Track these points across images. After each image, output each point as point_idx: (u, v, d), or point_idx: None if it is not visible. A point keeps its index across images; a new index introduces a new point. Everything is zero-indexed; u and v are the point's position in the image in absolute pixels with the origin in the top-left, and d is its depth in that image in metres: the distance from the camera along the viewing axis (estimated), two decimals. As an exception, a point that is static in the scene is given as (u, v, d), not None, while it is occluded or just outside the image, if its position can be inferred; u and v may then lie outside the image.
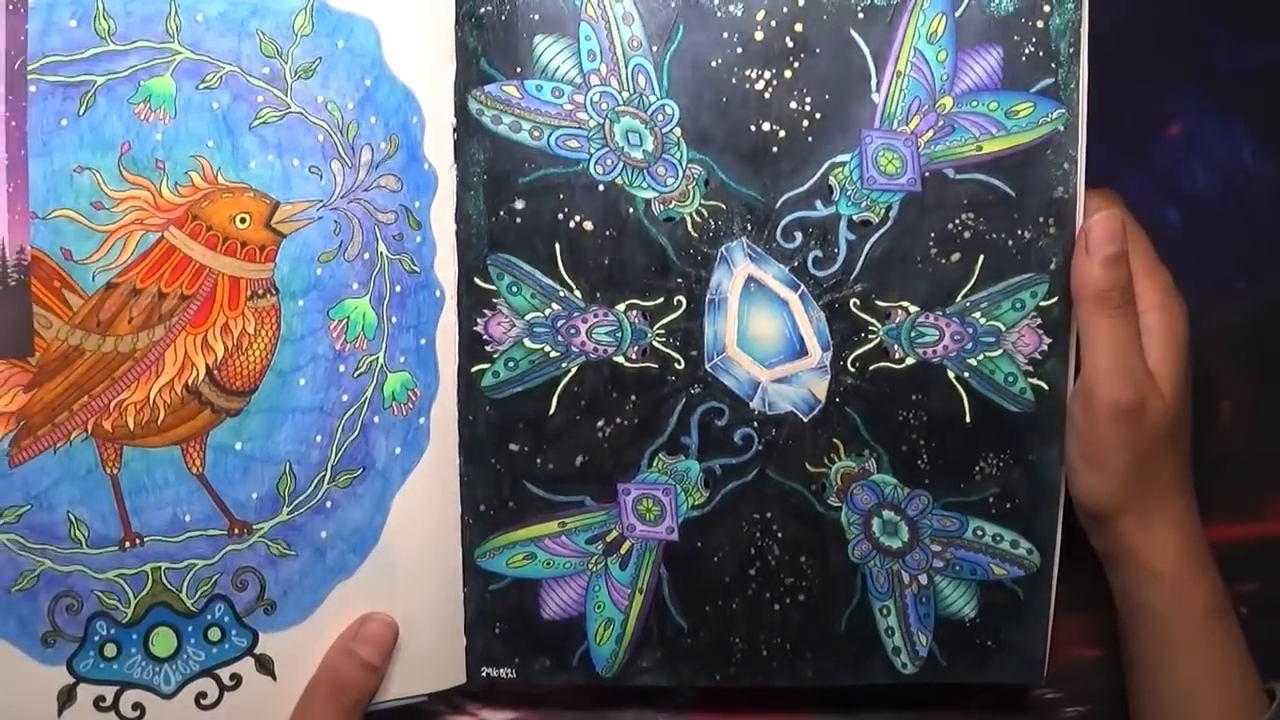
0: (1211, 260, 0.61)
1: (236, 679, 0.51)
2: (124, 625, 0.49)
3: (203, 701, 0.51)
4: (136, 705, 0.50)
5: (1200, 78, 0.61)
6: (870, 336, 0.54)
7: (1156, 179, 0.61)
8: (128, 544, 0.49)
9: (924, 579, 0.55)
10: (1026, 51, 0.53)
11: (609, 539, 0.55)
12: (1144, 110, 0.61)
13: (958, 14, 0.53)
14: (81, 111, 0.47)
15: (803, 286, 0.54)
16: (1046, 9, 0.53)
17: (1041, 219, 0.53)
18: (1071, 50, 0.53)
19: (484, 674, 0.55)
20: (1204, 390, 0.59)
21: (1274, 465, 0.62)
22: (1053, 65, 0.53)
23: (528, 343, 0.54)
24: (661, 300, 0.54)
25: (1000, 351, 0.54)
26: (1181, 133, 0.61)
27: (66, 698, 0.49)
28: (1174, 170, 0.61)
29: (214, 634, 0.51)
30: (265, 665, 0.51)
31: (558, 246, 0.53)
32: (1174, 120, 0.62)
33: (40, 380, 0.48)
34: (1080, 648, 0.60)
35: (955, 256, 0.54)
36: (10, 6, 0.46)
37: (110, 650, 0.49)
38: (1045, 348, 0.54)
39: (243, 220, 0.49)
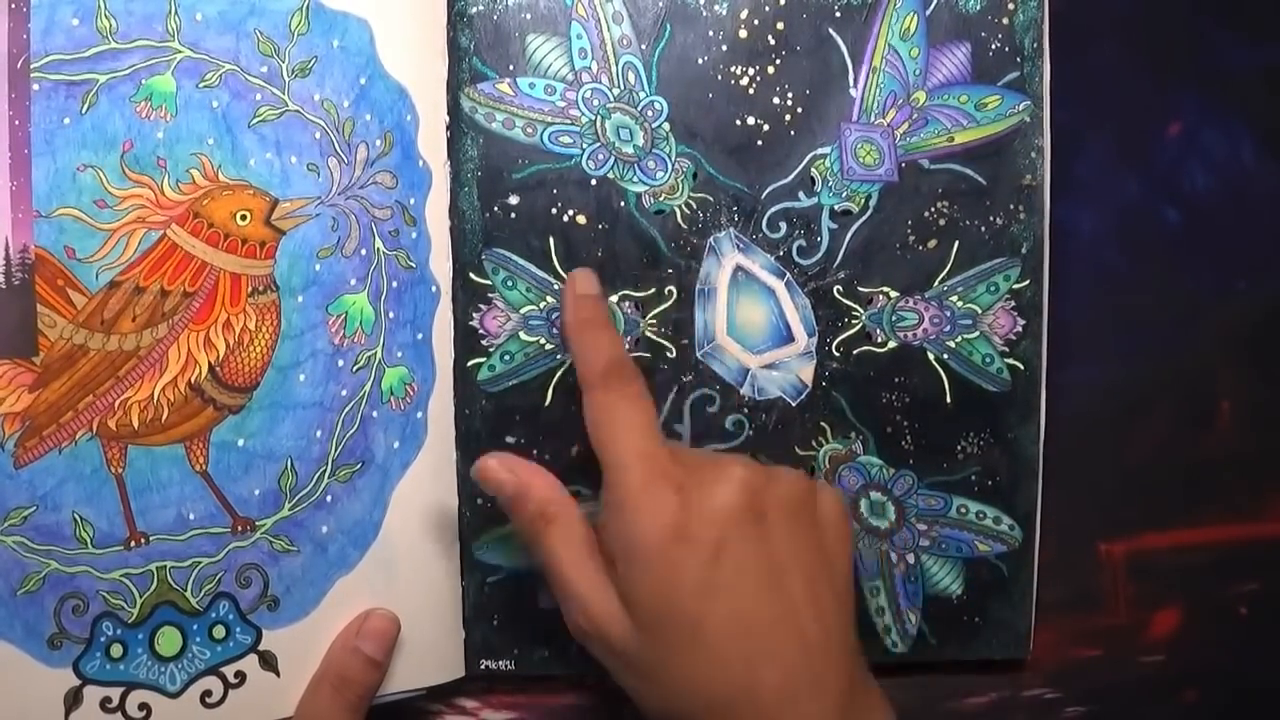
0: (1211, 260, 0.61)
1: (241, 676, 0.51)
2: (130, 625, 0.49)
3: (208, 700, 0.50)
4: (143, 705, 0.49)
5: (1200, 78, 0.61)
6: (853, 321, 0.56)
7: (1156, 179, 0.61)
8: (133, 543, 0.49)
9: (911, 558, 0.57)
10: (993, 47, 0.55)
11: (605, 527, 0.56)
12: (1144, 110, 0.61)
13: (928, 12, 0.55)
14: (84, 110, 0.47)
15: (788, 275, 0.55)
16: (1011, 6, 0.55)
17: (1012, 205, 0.56)
18: (1035, 45, 0.56)
19: (483, 666, 0.56)
20: (1204, 390, 0.61)
21: (1274, 465, 0.61)
22: (1018, 60, 0.56)
23: (523, 336, 0.54)
24: (653, 291, 0.55)
25: (977, 333, 0.56)
26: (1181, 133, 0.61)
27: (73, 700, 0.48)
28: (1174, 170, 0.61)
29: (218, 632, 0.51)
30: (269, 662, 0.51)
31: (551, 240, 0.54)
32: (1174, 120, 0.61)
33: (45, 380, 0.48)
34: (1080, 648, 0.60)
35: (932, 243, 0.56)
36: (13, 5, 0.46)
37: (116, 651, 0.49)
38: (1019, 329, 0.56)
39: (243, 217, 0.50)
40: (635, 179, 0.54)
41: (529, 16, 0.53)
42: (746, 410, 0.56)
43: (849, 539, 0.47)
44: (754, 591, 0.43)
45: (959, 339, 0.56)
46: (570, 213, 0.54)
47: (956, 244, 0.56)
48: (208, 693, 0.50)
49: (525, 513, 0.48)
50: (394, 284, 0.53)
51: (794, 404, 0.56)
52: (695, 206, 0.55)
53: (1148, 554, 0.60)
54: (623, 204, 0.54)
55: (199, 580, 0.50)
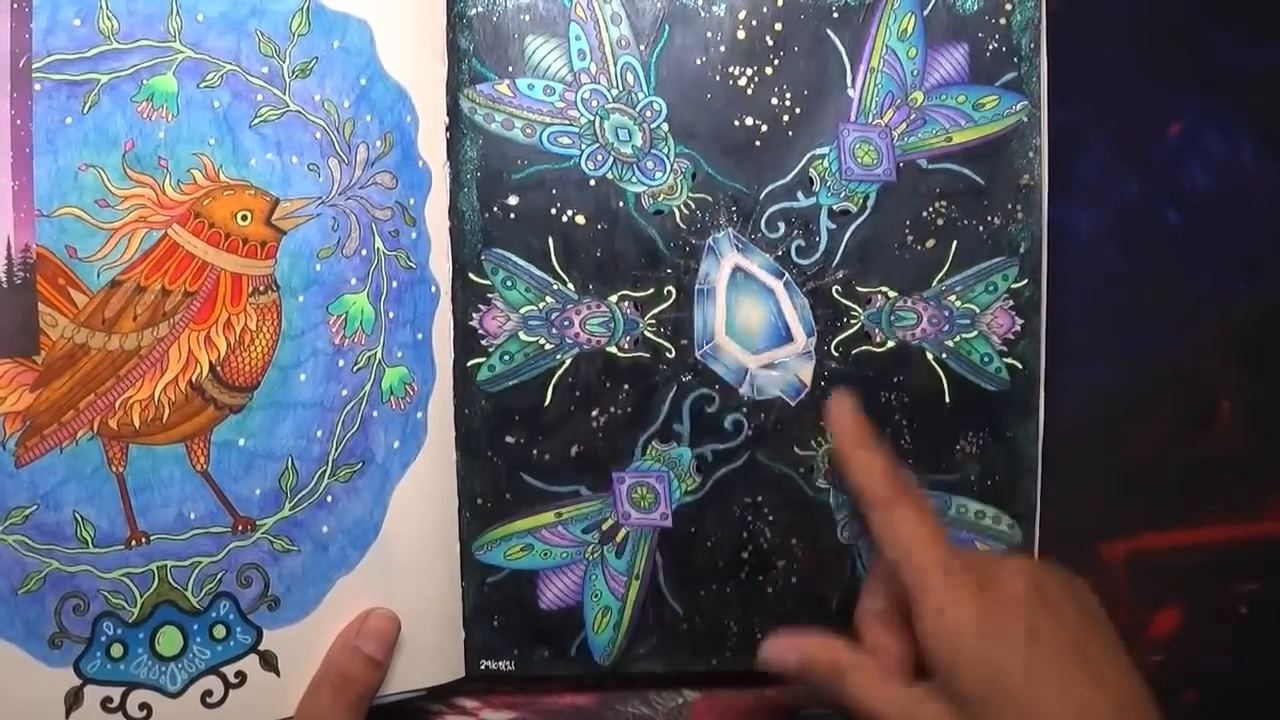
0: (1211, 260, 0.61)
1: (241, 676, 0.51)
2: (130, 625, 0.49)
3: (208, 700, 0.50)
4: (143, 705, 0.49)
5: (1200, 78, 0.61)
6: (852, 321, 0.56)
7: (1156, 179, 0.61)
8: (134, 543, 0.49)
9: (910, 556, 0.57)
10: (991, 47, 0.56)
11: (605, 527, 0.56)
12: (1144, 110, 0.61)
13: (926, 13, 0.55)
14: (86, 110, 0.48)
15: (787, 275, 0.56)
16: (1008, 7, 0.56)
17: (1010, 205, 0.56)
18: (1032, 46, 0.56)
19: (483, 666, 0.56)
20: (1204, 390, 0.61)
21: (1274, 465, 0.61)
22: (1015, 60, 0.56)
23: (522, 336, 0.55)
24: (652, 291, 0.55)
25: (976, 333, 0.56)
26: (1181, 133, 0.61)
27: (74, 699, 0.48)
28: (1174, 170, 0.61)
29: (219, 631, 0.51)
30: (269, 662, 0.51)
31: (551, 241, 0.54)
32: (1174, 120, 0.61)
33: (46, 379, 0.48)
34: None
35: (930, 243, 0.56)
36: (15, 5, 0.46)
37: (117, 650, 0.49)
38: (1018, 328, 0.56)
39: (244, 217, 0.50)
40: (634, 179, 0.55)
41: (528, 18, 0.54)
42: (745, 410, 0.56)
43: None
44: (1070, 667, 0.46)
45: (957, 338, 0.56)
46: (569, 213, 0.54)
47: (955, 243, 0.56)
48: (208, 692, 0.50)
49: (818, 677, 0.50)
50: (394, 284, 0.53)
51: (793, 404, 0.56)
52: (694, 206, 0.55)
53: (1148, 554, 0.60)
54: (621, 204, 0.55)
55: (199, 580, 0.50)
